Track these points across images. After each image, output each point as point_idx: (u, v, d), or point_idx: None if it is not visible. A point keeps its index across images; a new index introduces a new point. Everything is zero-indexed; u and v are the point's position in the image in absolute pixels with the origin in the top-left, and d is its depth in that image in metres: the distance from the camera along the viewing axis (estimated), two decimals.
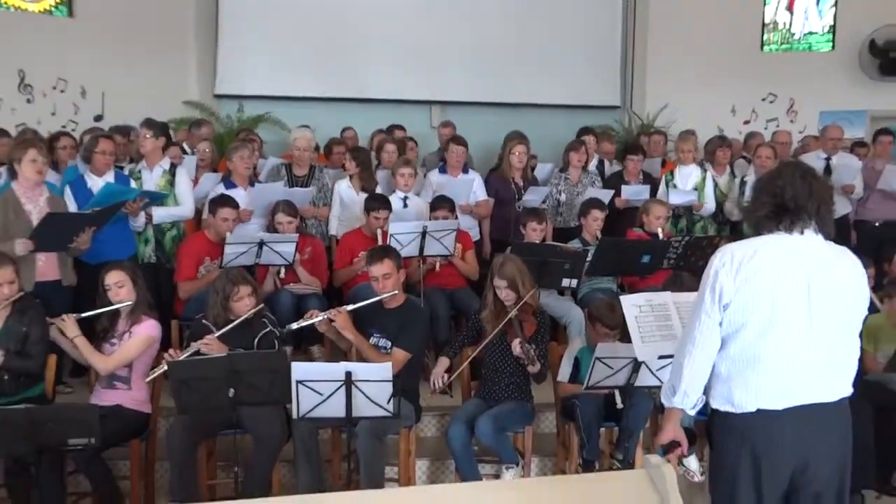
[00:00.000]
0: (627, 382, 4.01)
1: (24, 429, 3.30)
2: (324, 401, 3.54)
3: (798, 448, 2.50)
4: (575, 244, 5.80)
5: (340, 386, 3.51)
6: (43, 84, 7.91)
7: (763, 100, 9.80)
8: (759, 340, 2.51)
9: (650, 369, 3.96)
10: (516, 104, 9.78)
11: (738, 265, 2.51)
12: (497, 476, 4.21)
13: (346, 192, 6.13)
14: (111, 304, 4.13)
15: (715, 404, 2.60)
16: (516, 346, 4.10)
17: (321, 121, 8.19)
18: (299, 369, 3.52)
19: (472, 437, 4.12)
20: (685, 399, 2.61)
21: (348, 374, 3.50)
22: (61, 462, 3.71)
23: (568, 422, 4.33)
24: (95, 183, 5.13)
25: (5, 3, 7.85)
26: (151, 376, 3.98)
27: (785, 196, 2.53)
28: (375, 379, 3.52)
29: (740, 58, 9.78)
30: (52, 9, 8.13)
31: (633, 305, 3.45)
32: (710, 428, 2.66)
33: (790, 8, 10.03)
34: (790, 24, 10.05)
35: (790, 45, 10.07)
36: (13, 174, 4.78)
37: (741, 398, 2.53)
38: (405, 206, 6.04)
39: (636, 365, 3.94)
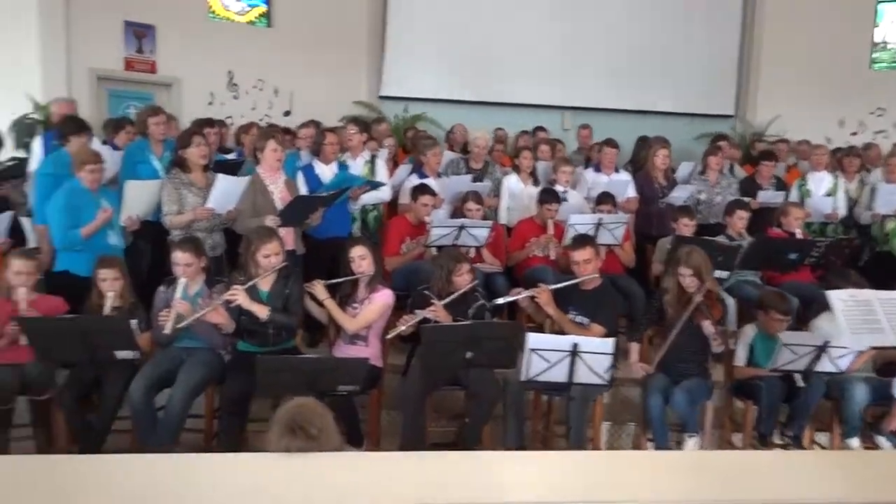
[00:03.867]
0: (807, 367, 3.94)
1: (306, 375, 3.44)
2: (550, 367, 3.57)
3: None
4: (720, 240, 5.68)
5: (566, 355, 3.54)
6: (246, 83, 8.21)
7: (871, 113, 9.35)
8: None
9: (830, 358, 3.88)
10: (638, 111, 9.65)
11: None
12: (678, 443, 4.19)
13: (515, 185, 6.16)
14: (353, 274, 4.25)
15: None
16: (708, 327, 4.04)
17: (467, 121, 8.21)
18: (533, 339, 3.55)
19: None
20: None
21: (574, 346, 3.52)
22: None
23: (744, 399, 4.27)
24: (323, 170, 5.28)
25: (220, 15, 8.15)
26: (392, 334, 4.06)
27: None
28: (598, 351, 3.53)
29: (850, 74, 9.37)
30: (256, 20, 8.41)
31: (838, 299, 3.33)
32: None
33: None
34: None
35: None
36: (256, 160, 4.97)
37: None
38: (565, 199, 6.02)
39: (818, 352, 3.86)
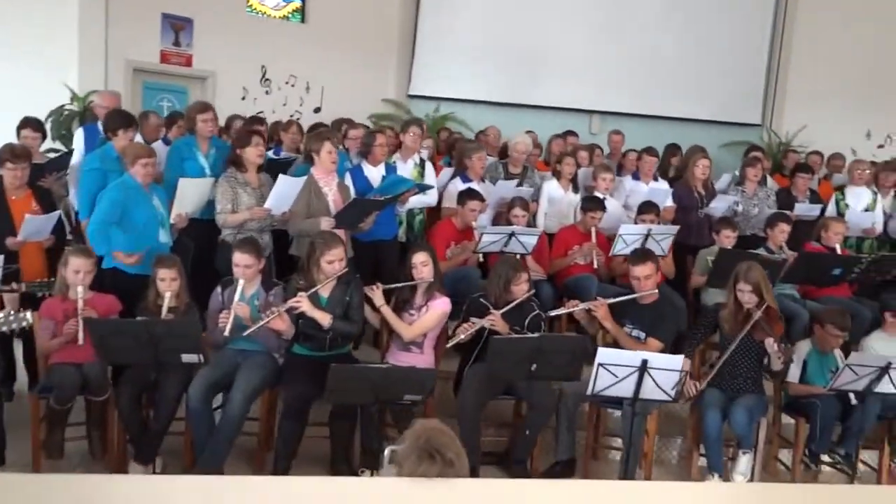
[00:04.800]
0: (866, 387, 3.92)
1: (375, 385, 3.40)
2: (617, 382, 3.54)
3: None
4: (760, 252, 5.67)
5: (634, 371, 3.51)
6: (278, 79, 8.15)
7: None
8: None
9: (892, 379, 3.86)
10: (665, 117, 9.65)
11: None
12: (732, 459, 4.18)
13: (556, 191, 6.12)
14: (411, 279, 4.20)
15: None
16: (772, 345, 4.02)
17: (494, 122, 8.15)
18: (603, 354, 3.51)
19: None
20: None
21: (644, 362, 3.49)
22: (383, 412, 3.82)
23: (795, 416, 4.26)
24: (371, 172, 5.21)
25: (255, 9, 8.09)
26: (452, 342, 4.03)
27: None
28: (667, 368, 3.50)
29: (880, 87, 9.35)
30: (290, 16, 8.35)
31: None
32: None
33: None
34: None
35: None
36: (311, 161, 4.90)
37: None
38: None
39: (881, 373, 3.84)
